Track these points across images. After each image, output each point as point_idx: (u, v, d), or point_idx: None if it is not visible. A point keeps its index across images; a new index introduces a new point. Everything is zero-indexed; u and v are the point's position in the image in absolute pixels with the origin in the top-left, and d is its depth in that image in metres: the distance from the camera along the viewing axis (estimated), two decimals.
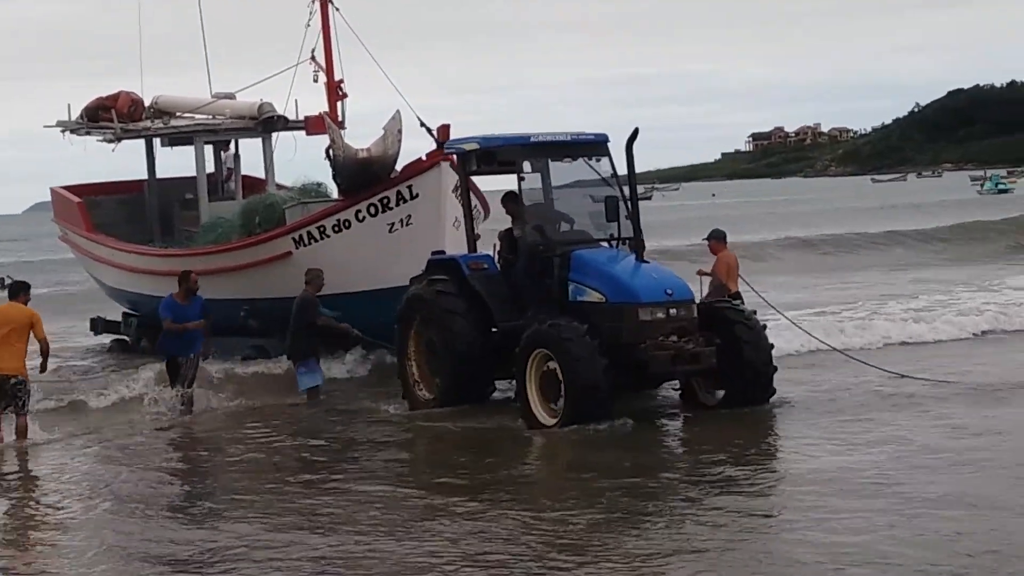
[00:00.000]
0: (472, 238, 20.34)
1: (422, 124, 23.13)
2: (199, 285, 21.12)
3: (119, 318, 30.00)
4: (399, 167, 23.44)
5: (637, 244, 18.77)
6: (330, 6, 25.94)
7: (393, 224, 23.20)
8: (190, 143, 28.54)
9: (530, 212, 19.49)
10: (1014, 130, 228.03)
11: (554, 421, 17.63)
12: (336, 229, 23.60)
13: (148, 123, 29.09)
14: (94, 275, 31.29)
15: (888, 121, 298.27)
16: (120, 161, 32.18)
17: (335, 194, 25.68)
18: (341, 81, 26.04)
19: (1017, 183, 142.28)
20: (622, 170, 19.28)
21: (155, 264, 27.23)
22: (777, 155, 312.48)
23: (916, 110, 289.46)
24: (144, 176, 30.45)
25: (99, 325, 30.33)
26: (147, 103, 29.61)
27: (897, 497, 13.09)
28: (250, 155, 30.09)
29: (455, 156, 20.23)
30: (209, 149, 29.24)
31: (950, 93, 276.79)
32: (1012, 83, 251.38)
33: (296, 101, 28.61)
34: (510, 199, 19.98)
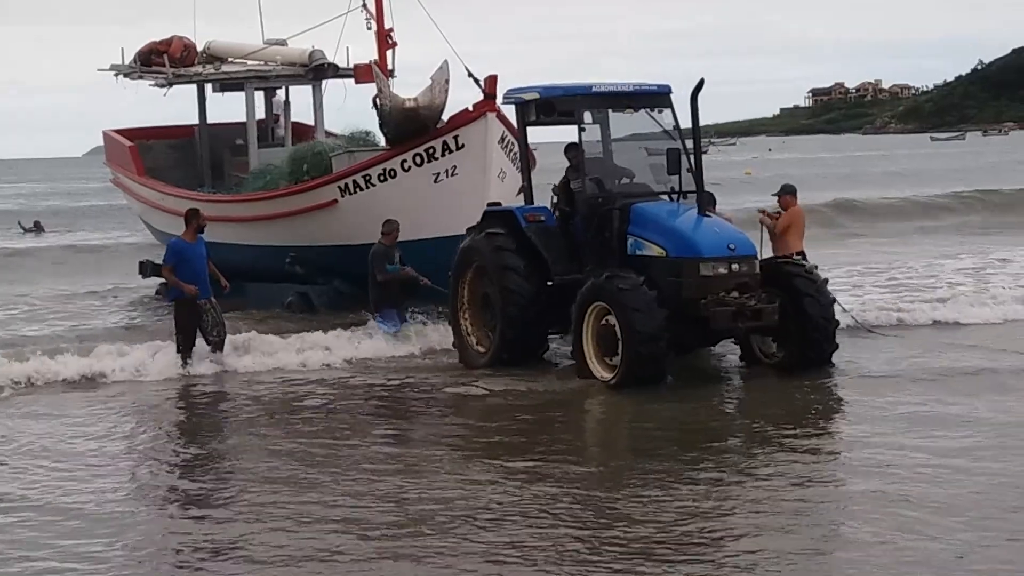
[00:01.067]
0: (529, 190, 20.13)
1: (470, 74, 23.08)
2: (205, 222, 20.49)
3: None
4: (445, 117, 23.16)
5: (700, 198, 18.47)
6: None
7: (438, 174, 23.01)
8: (241, 89, 28.38)
9: (590, 164, 19.16)
10: None
11: (611, 375, 17.44)
12: (381, 178, 23.36)
13: (200, 68, 28.96)
14: (144, 219, 31.26)
15: (950, 79, 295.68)
16: (172, 106, 32.15)
17: (383, 143, 25.45)
18: (391, 30, 25.69)
19: None
20: (684, 122, 19.04)
21: (204, 209, 27.12)
22: (836, 111, 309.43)
23: (979, 68, 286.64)
24: (195, 121, 30.35)
25: (147, 268, 30.15)
26: (199, 48, 29.47)
27: None
28: (300, 102, 29.99)
29: (514, 105, 19.92)
30: (260, 95, 29.10)
31: (1015, 51, 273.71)
32: None
33: (347, 49, 28.56)
34: (572, 150, 19.74)
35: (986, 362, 18.53)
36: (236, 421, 16.84)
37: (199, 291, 19.75)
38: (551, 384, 18.02)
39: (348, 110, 29.11)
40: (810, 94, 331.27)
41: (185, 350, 19.84)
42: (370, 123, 26.44)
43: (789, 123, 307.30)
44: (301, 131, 29.65)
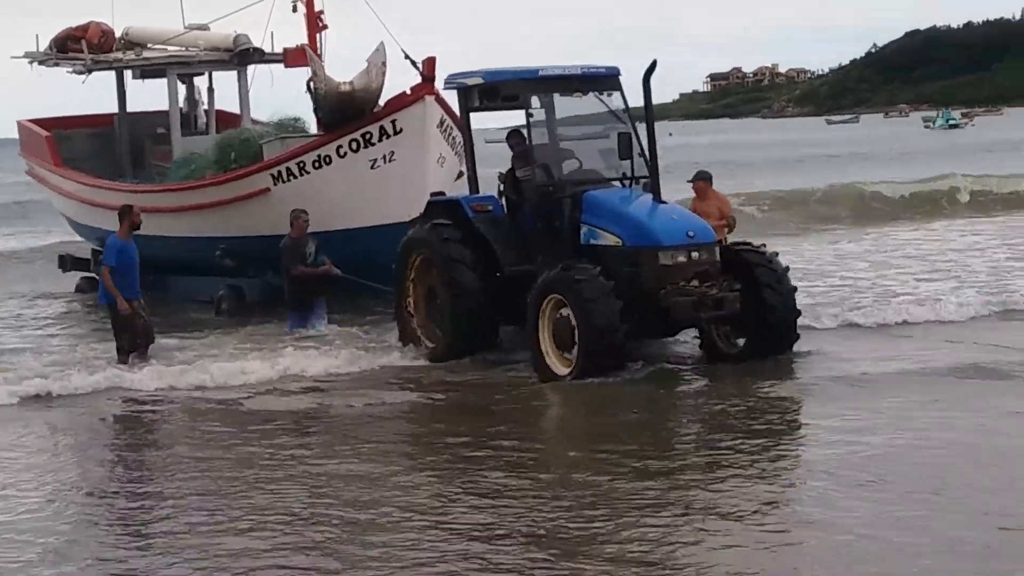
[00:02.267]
0: (474, 178, 19.18)
1: (406, 57, 22.05)
2: (140, 219, 19.23)
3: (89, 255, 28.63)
4: (382, 101, 22.24)
5: (654, 184, 17.69)
6: None
7: (375, 160, 22.10)
8: (162, 76, 27.16)
9: (537, 151, 18.23)
10: (969, 71, 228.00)
11: (567, 371, 16.57)
12: (316, 165, 22.38)
13: (119, 55, 27.63)
14: (62, 211, 29.91)
15: (845, 62, 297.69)
16: (90, 95, 30.85)
17: (314, 130, 24.61)
18: (321, 12, 24.78)
19: (972, 122, 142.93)
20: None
21: (127, 200, 25.96)
22: (734, 96, 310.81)
23: (873, 51, 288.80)
24: (115, 110, 29.05)
25: (68, 262, 29.05)
26: (118, 34, 28.01)
27: None
28: (224, 90, 28.72)
29: (456, 91, 18.99)
30: (183, 84, 27.92)
31: (907, 34, 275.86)
32: (968, 24, 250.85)
33: (272, 33, 27.42)
34: (516, 137, 18.86)
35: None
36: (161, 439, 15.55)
37: (131, 291, 18.76)
38: (501, 379, 17.19)
39: (274, 97, 27.92)
40: (708, 79, 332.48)
41: (127, 351, 18.74)
42: (298, 110, 25.60)
43: (688, 108, 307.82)
44: (225, 119, 28.43)
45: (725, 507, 10.87)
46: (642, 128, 17.83)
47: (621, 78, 18.66)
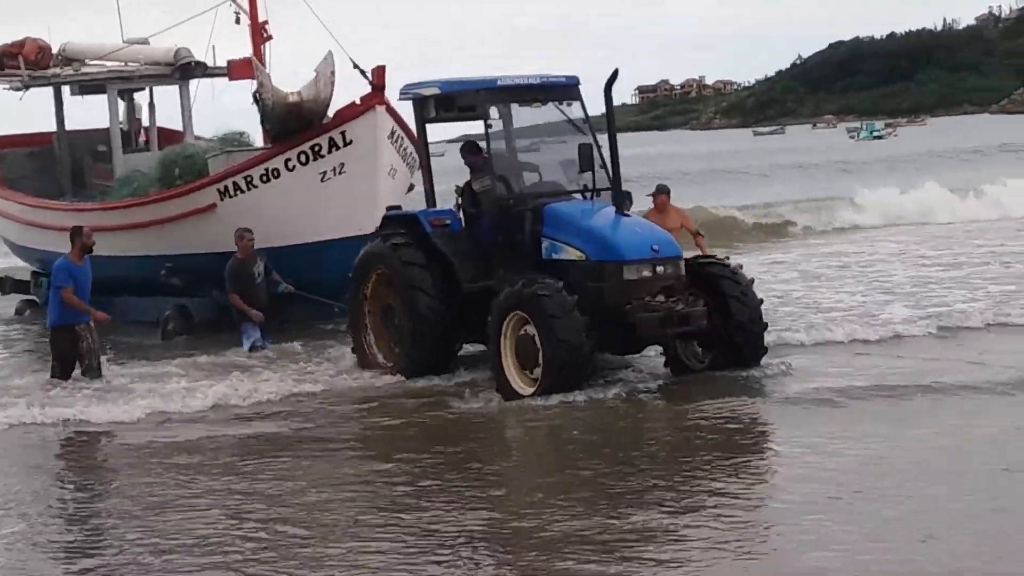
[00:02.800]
0: (431, 191, 18.50)
1: (355, 66, 21.34)
2: (93, 241, 18.37)
3: (28, 277, 27.70)
4: (331, 112, 21.49)
5: (617, 196, 17.08)
6: None
7: (325, 173, 21.31)
8: (102, 91, 26.24)
9: (495, 162, 17.53)
10: (892, 81, 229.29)
11: (531, 389, 15.89)
12: (264, 179, 21.56)
13: (57, 70, 26.74)
14: (1, 232, 28.84)
15: (771, 74, 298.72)
16: (27, 113, 29.82)
17: (259, 144, 23.79)
18: (265, 22, 24.01)
19: (895, 132, 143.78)
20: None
21: (69, 219, 25.08)
22: (663, 108, 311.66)
23: (798, 62, 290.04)
24: (53, 128, 28.03)
25: (7, 285, 28.04)
26: (55, 50, 27.18)
27: None
28: (164, 106, 27.92)
29: (411, 101, 18.30)
30: (122, 100, 27.05)
31: (831, 45, 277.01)
32: (891, 35, 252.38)
33: (214, 47, 26.40)
34: (470, 149, 18.21)
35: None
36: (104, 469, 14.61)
37: (78, 316, 17.99)
38: (464, 401, 16.32)
39: (217, 113, 27.07)
40: (636, 91, 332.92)
41: (62, 377, 17.97)
42: (242, 125, 24.84)
43: (618, 120, 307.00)
44: (167, 136, 27.52)
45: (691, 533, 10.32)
46: (603, 139, 17.28)
47: (581, 87, 18.11)
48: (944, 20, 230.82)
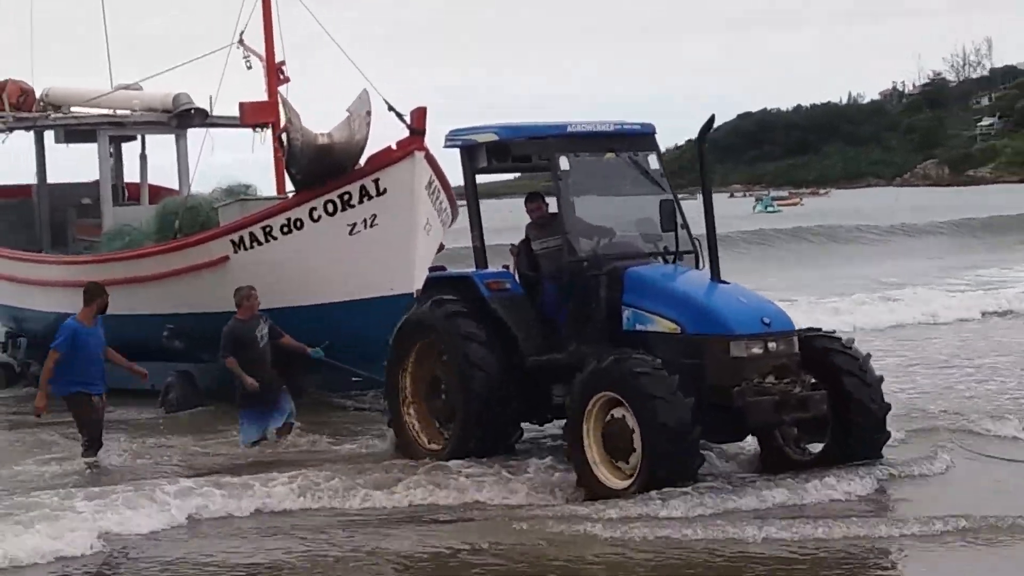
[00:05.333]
0: (482, 249, 15.18)
1: (390, 108, 17.91)
2: (107, 301, 15.45)
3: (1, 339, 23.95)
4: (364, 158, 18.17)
5: (714, 261, 13.79)
6: None
7: (355, 225, 17.95)
8: (91, 139, 22.49)
9: (567, 220, 14.27)
10: (799, 152, 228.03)
11: (626, 483, 12.69)
12: (285, 230, 18.19)
13: (39, 114, 23.05)
14: None
15: (681, 142, 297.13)
16: (4, 165, 25.74)
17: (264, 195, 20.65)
18: (283, 63, 20.59)
19: (801, 202, 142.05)
20: None
21: (52, 273, 21.56)
22: None
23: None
24: (31, 180, 24.42)
25: None
26: (38, 94, 23.32)
27: None
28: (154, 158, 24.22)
29: (460, 150, 15.02)
30: (98, 147, 22.66)
31: (740, 116, 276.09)
32: (797, 107, 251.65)
33: (211, 97, 22.61)
34: (535, 200, 15.05)
35: None
36: None
37: (93, 380, 14.82)
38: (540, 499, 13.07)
39: (213, 168, 23.35)
40: None
41: (92, 447, 14.94)
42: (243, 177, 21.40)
43: (530, 185, 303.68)
44: (157, 192, 23.81)
45: None
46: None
47: (657, 136, 14.98)
48: (849, 94, 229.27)
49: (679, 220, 14.23)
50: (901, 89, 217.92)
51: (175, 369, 19.32)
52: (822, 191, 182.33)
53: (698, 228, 14.17)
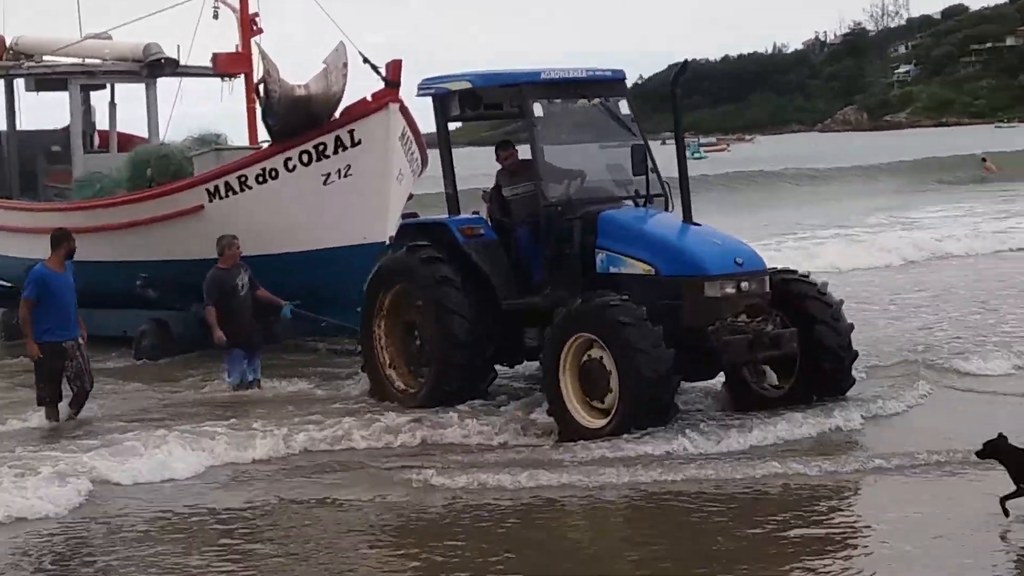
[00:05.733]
0: (454, 197, 14.66)
1: (365, 60, 17.20)
2: (75, 246, 14.51)
3: None
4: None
5: (686, 204, 13.42)
6: None
7: (329, 175, 17.22)
8: (62, 87, 21.51)
9: (540, 166, 13.72)
10: (728, 100, 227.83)
11: (601, 423, 12.31)
12: (260, 180, 17.43)
13: (10, 63, 22.16)
14: None
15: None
16: None
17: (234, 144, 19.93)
18: (256, 14, 19.86)
19: (728, 148, 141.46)
20: None
21: (21, 220, 20.77)
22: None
23: (640, 82, 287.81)
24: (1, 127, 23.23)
25: None
26: (7, 44, 22.28)
27: None
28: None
29: (432, 98, 14.43)
30: (68, 97, 21.59)
31: (670, 66, 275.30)
32: (725, 57, 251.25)
33: (178, 47, 21.63)
34: (506, 148, 14.51)
35: None
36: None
37: (65, 328, 13.95)
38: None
39: (181, 119, 22.41)
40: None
41: (51, 403, 14.04)
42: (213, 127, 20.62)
43: (472, 135, 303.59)
44: (126, 141, 22.76)
45: None
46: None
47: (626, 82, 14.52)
48: (774, 44, 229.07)
49: (650, 164, 13.77)
50: (823, 39, 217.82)
51: (149, 317, 18.61)
52: (747, 137, 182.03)
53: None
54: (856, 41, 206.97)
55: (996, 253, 28.72)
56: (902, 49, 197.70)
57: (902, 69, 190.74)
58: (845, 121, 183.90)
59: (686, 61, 13.70)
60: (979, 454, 9.67)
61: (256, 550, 9.58)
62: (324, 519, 10.33)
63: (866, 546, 9.21)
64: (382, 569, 9.18)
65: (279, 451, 12.49)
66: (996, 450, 9.55)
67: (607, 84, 14.30)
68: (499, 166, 14.62)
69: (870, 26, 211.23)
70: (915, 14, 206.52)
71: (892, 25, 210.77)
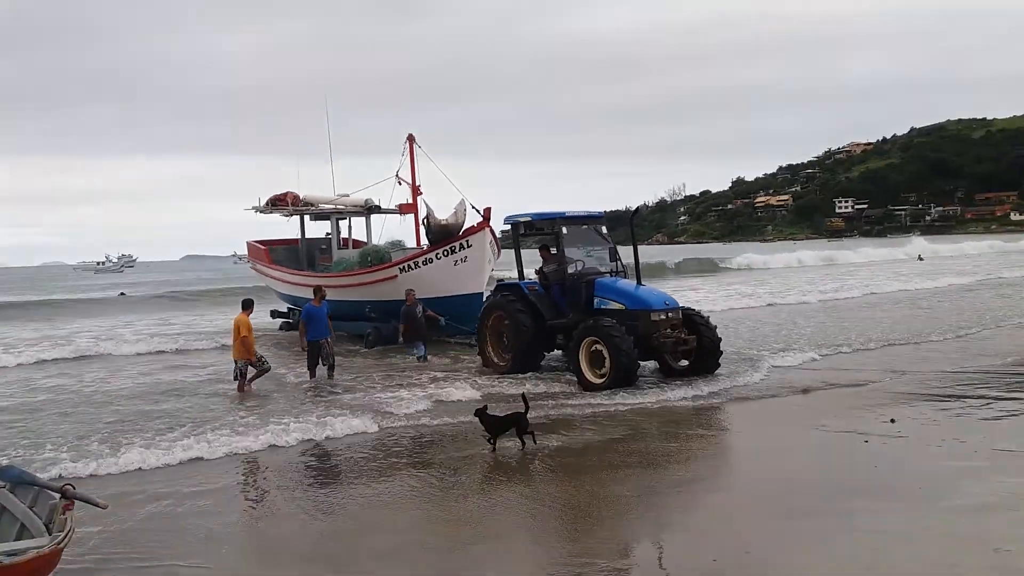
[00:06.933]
0: (521, 272, 13.57)
1: (473, 207, 16.36)
2: (326, 294, 13.37)
3: (285, 310, 21.92)
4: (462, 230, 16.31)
5: (638, 276, 12.37)
6: (413, 143, 18.86)
7: (457, 261, 16.17)
8: (326, 219, 20.76)
9: (563, 257, 12.64)
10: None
11: (600, 382, 11.12)
12: (425, 263, 16.43)
13: (303, 208, 21.18)
14: (273, 288, 22.55)
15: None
16: (286, 229, 23.76)
17: (412, 246, 18.52)
18: (419, 185, 18.93)
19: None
20: None
21: (311, 282, 19.74)
22: None
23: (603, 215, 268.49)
24: (297, 236, 22.01)
25: (275, 314, 22.32)
26: (302, 196, 21.32)
27: None
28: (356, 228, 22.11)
29: (511, 225, 13.42)
30: (329, 223, 21.02)
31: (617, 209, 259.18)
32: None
33: (378, 199, 20.60)
34: (544, 249, 13.41)
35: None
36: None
37: (320, 333, 12.76)
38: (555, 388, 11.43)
39: (382, 233, 21.45)
40: None
41: (311, 369, 12.79)
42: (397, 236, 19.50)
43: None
44: (355, 244, 21.60)
45: None
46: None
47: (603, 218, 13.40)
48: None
49: (618, 257, 12.74)
50: (647, 204, 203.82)
51: (371, 326, 17.46)
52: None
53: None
54: (661, 205, 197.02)
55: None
56: (683, 208, 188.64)
57: (683, 218, 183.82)
58: (658, 241, 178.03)
59: (638, 207, 12.70)
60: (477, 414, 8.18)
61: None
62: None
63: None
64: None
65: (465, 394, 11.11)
66: (478, 415, 8.18)
67: (595, 218, 13.22)
68: (542, 257, 13.57)
69: (668, 198, 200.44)
70: (692, 192, 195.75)
71: (679, 197, 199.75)
